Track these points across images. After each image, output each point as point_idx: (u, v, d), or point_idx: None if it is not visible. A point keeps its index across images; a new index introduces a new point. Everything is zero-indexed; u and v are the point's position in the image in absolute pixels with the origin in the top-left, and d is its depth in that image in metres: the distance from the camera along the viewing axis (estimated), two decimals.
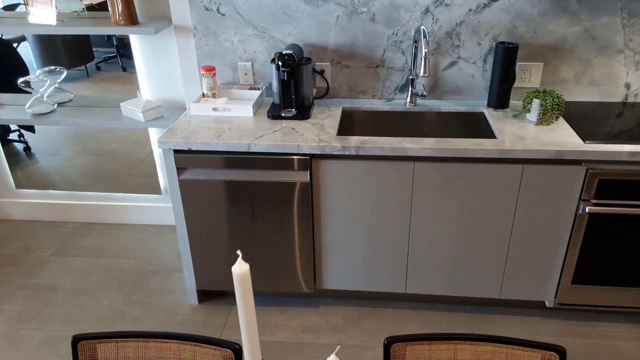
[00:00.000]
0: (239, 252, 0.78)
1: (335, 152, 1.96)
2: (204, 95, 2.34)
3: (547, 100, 2.07)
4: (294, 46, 2.24)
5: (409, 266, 2.21)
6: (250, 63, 2.42)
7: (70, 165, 2.95)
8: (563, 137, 1.98)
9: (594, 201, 1.96)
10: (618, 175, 1.91)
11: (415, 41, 2.27)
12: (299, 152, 1.97)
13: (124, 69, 2.64)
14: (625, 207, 1.94)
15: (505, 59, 2.21)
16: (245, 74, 2.45)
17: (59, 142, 2.89)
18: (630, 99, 2.35)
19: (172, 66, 2.58)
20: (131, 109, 2.48)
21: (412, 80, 2.35)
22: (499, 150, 1.90)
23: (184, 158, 2.04)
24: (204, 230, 2.20)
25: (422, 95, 2.37)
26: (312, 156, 2.00)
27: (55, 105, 2.64)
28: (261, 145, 1.97)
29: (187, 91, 2.54)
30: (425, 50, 2.05)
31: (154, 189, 2.97)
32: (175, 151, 2.04)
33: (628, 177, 1.90)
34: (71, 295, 2.54)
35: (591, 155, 1.89)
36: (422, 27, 2.13)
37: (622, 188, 1.93)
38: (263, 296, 2.50)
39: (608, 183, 1.92)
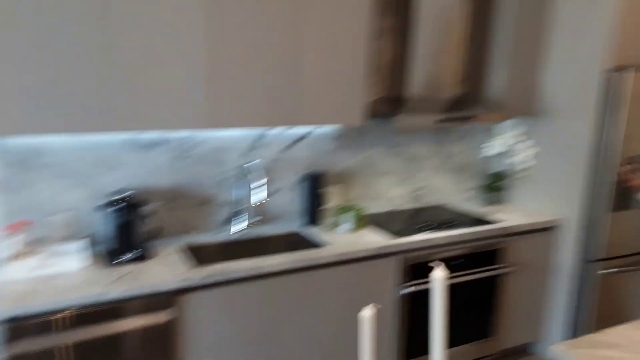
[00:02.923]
0: None
1: (200, 283, 1.99)
2: (16, 255, 2.08)
3: (356, 212, 2.58)
4: (124, 190, 2.26)
5: None
6: (69, 213, 2.29)
7: None
8: (377, 238, 2.48)
9: (408, 283, 2.46)
10: (424, 258, 2.46)
11: (244, 175, 2.57)
12: (160, 290, 1.93)
13: None
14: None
15: (314, 185, 2.69)
16: (65, 226, 2.29)
17: None
18: (398, 207, 3.08)
19: None
20: None
21: (242, 210, 2.60)
22: (338, 254, 2.26)
23: (16, 328, 1.76)
24: None
25: (254, 223, 2.62)
26: (176, 292, 1.98)
27: None
28: (114, 292, 1.87)
29: None
30: (264, 179, 2.37)
31: None
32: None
33: (431, 259, 2.48)
34: None
35: (403, 247, 2.41)
36: (252, 162, 2.46)
37: (430, 268, 2.49)
38: None
39: (418, 266, 2.46)
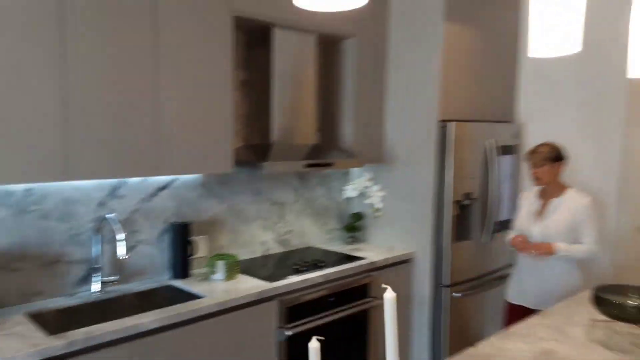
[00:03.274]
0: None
1: (61, 352, 1.72)
2: None
3: (229, 260, 2.50)
4: None
5: None
6: None
7: None
8: (253, 284, 2.43)
9: (288, 326, 2.44)
10: (300, 299, 2.47)
11: (98, 230, 2.33)
12: None
13: None
14: (313, 322, 2.51)
15: (180, 236, 2.55)
16: None
17: None
18: (268, 252, 3.07)
19: None
20: None
21: (97, 268, 2.34)
22: (218, 304, 2.16)
23: None
24: None
25: (113, 282, 2.37)
26: None
27: None
28: None
29: None
30: (121, 235, 2.17)
31: None
32: None
33: (308, 299, 2.50)
34: None
35: (281, 290, 2.40)
36: (109, 215, 2.25)
37: (306, 309, 2.50)
38: None
39: (295, 308, 2.46)
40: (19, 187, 2.13)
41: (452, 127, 2.98)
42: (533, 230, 2.61)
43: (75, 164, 1.98)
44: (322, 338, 0.81)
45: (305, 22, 2.75)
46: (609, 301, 1.65)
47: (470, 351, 1.62)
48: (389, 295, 0.72)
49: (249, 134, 2.88)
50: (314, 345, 0.77)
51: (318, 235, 3.35)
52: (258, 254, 3.02)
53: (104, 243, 2.36)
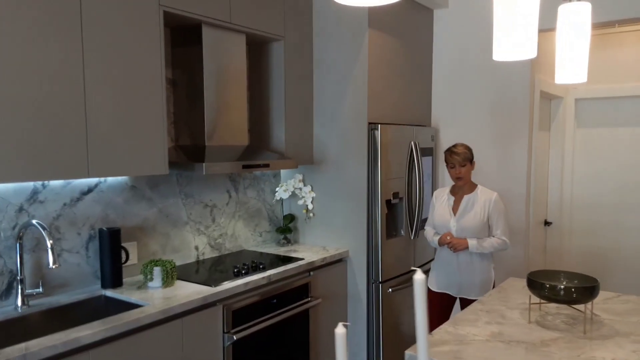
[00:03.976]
0: None
1: None
2: None
3: (167, 266, 2.38)
4: None
5: None
6: None
7: None
8: (193, 289, 2.33)
9: (234, 330, 2.37)
10: (243, 302, 2.42)
11: (20, 238, 2.10)
12: None
13: None
14: (258, 324, 2.47)
15: (109, 243, 2.39)
16: None
17: None
18: (201, 257, 2.97)
19: None
20: None
21: (20, 281, 2.11)
22: (161, 311, 2.05)
23: None
24: None
25: (36, 295, 2.15)
26: None
27: None
28: None
29: None
30: (51, 242, 1.98)
31: None
32: None
33: (251, 302, 2.45)
34: None
35: (224, 294, 2.33)
36: (29, 222, 2.05)
37: (250, 312, 2.45)
38: None
39: (240, 311, 2.40)
40: None
41: (379, 129, 3.10)
42: (449, 225, 2.80)
43: None
44: (348, 323, 0.80)
45: (235, 20, 2.71)
46: (543, 284, 1.81)
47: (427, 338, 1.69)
48: (419, 276, 0.74)
49: (178, 135, 2.77)
50: (340, 331, 0.76)
51: (250, 238, 3.30)
52: (192, 259, 2.91)
53: (23, 253, 2.13)
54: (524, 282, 2.41)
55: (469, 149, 2.80)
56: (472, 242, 2.72)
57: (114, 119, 2.16)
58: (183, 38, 2.68)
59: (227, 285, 2.40)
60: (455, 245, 2.74)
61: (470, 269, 2.79)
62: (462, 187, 2.83)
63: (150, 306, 2.09)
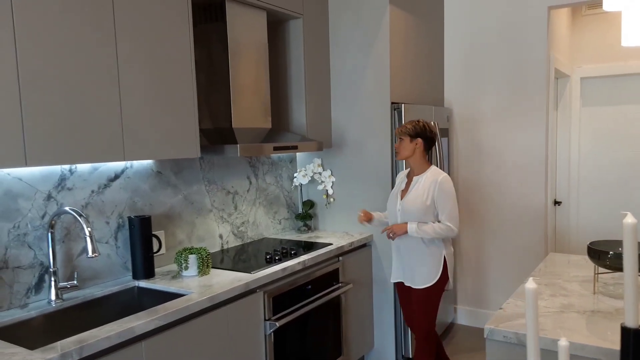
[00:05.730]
0: None
1: None
2: None
3: (202, 254, 2.28)
4: None
5: None
6: None
7: None
8: (231, 276, 2.24)
9: (274, 317, 2.29)
10: (282, 289, 2.34)
11: (51, 227, 1.97)
12: None
13: None
14: (296, 311, 2.39)
15: (143, 231, 2.27)
16: None
17: None
18: (225, 246, 2.87)
19: None
20: None
21: (53, 273, 1.98)
22: (209, 298, 1.95)
23: None
24: None
25: (73, 287, 2.03)
26: None
27: None
28: None
29: None
30: (89, 229, 1.86)
31: None
32: None
33: (288, 289, 2.37)
34: None
35: (264, 280, 2.24)
36: (62, 209, 1.92)
37: (288, 298, 2.37)
38: None
39: (279, 298, 2.32)
40: None
41: (403, 109, 3.04)
42: (396, 208, 2.59)
43: (33, 149, 1.66)
44: (537, 278, 0.74)
45: None
46: (607, 253, 1.78)
47: (500, 313, 1.64)
48: (630, 220, 0.67)
49: (200, 118, 2.65)
50: (531, 286, 0.70)
51: (270, 225, 3.21)
52: (217, 248, 2.80)
53: (55, 243, 2.00)
54: (567, 257, 2.39)
55: (417, 126, 2.53)
56: (411, 226, 2.46)
57: (146, 100, 2.04)
58: (201, 16, 2.56)
59: (266, 271, 2.31)
60: (394, 230, 2.51)
61: (413, 256, 2.55)
62: (414, 168, 2.58)
63: (194, 294, 1.99)
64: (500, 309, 1.68)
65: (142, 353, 1.71)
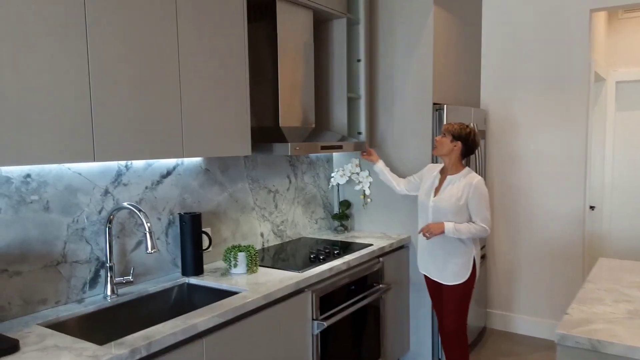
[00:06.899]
0: None
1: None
2: None
3: (250, 251, 2.28)
4: None
5: None
6: None
7: None
8: (279, 275, 2.24)
9: (322, 317, 2.29)
10: (328, 288, 2.33)
11: (109, 222, 1.99)
12: None
13: None
14: (343, 311, 2.39)
15: (194, 228, 2.28)
16: None
17: None
18: (266, 244, 2.87)
19: None
20: None
21: (110, 268, 1.99)
22: (264, 296, 1.96)
23: None
24: None
25: (128, 282, 2.04)
26: None
27: None
28: None
29: None
30: (149, 224, 1.87)
31: None
32: None
33: (334, 288, 2.37)
34: None
35: (313, 279, 2.24)
36: (120, 205, 1.94)
37: (333, 298, 2.36)
38: None
39: (326, 298, 2.31)
40: (18, 173, 1.74)
41: (445, 110, 3.02)
42: (428, 204, 2.61)
43: (101, 144, 1.67)
44: None
45: None
46: None
47: (568, 318, 1.63)
48: None
49: (262, 116, 2.64)
50: None
51: (307, 225, 3.21)
52: (258, 246, 2.81)
53: (112, 238, 2.02)
54: (617, 262, 2.36)
55: (462, 129, 2.54)
56: (448, 226, 2.47)
57: (203, 97, 2.05)
58: (250, 15, 2.56)
59: (314, 270, 2.31)
60: (431, 229, 2.50)
61: (445, 253, 2.58)
62: (448, 167, 2.60)
63: (249, 292, 1.99)
64: (567, 314, 1.66)
65: (203, 350, 1.72)
